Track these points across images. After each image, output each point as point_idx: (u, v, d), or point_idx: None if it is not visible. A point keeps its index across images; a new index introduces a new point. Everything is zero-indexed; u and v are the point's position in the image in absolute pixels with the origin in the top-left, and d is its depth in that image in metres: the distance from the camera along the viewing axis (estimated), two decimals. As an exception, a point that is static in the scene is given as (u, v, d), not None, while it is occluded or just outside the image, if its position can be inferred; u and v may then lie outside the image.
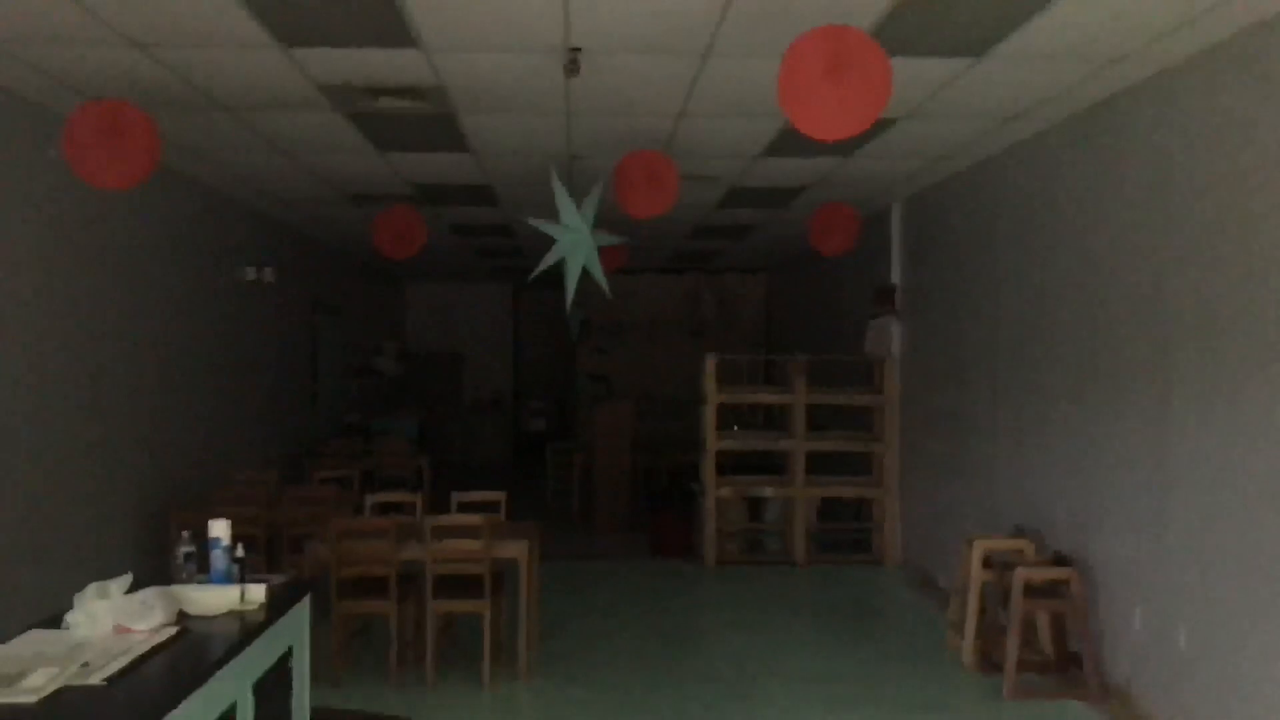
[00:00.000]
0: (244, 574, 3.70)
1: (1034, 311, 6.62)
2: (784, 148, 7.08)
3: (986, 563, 6.24)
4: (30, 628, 3.14)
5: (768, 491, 9.53)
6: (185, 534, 3.78)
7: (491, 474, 15.06)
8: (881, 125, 6.46)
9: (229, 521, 3.67)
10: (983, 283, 7.48)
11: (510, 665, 6.18)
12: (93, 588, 3.20)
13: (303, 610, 3.83)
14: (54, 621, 3.17)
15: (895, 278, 9.40)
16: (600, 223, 6.64)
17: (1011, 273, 6.99)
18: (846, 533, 9.96)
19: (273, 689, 3.45)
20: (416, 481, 10.29)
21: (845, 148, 7.09)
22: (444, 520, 5.93)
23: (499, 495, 6.79)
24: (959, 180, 7.94)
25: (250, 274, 9.21)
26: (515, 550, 5.95)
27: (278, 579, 3.91)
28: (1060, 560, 5.96)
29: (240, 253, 9.16)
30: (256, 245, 9.58)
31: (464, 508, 6.64)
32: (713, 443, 9.40)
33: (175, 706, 2.68)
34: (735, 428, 9.77)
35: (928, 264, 8.75)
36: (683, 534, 9.99)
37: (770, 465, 10.37)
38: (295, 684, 3.70)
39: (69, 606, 3.18)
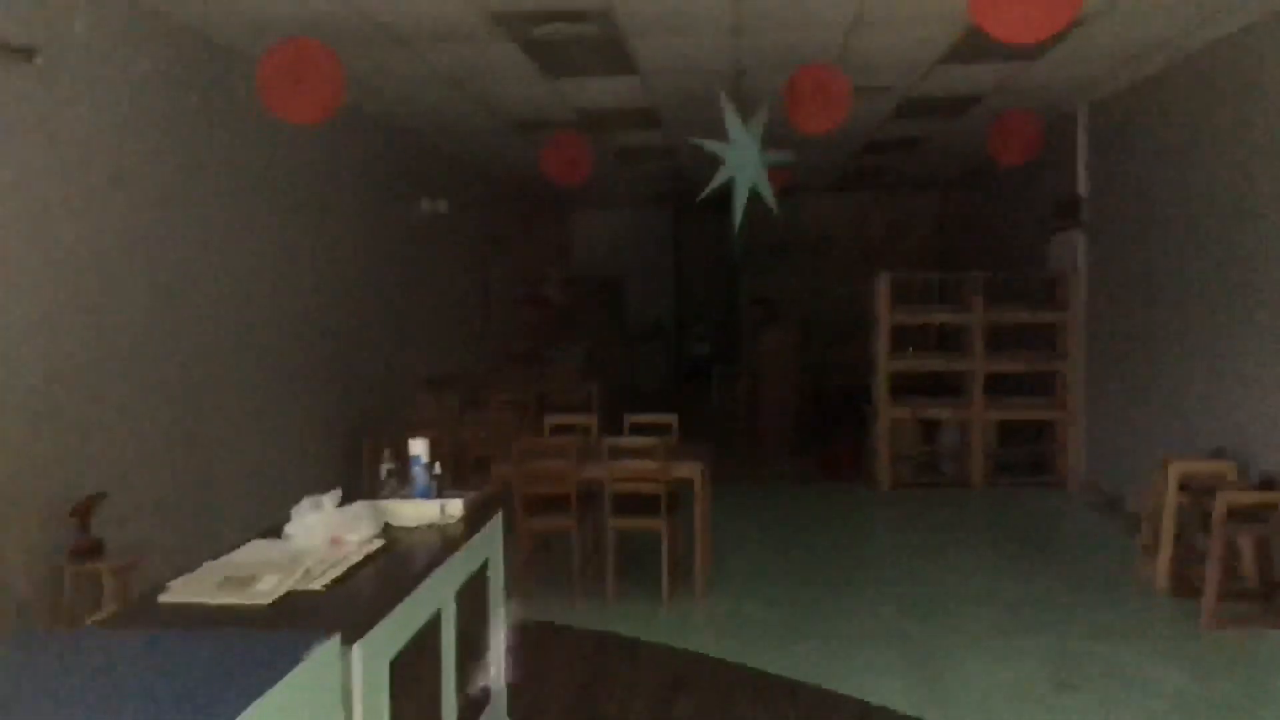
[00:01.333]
0: (442, 490, 3.85)
1: (1234, 222, 6.17)
2: (963, 54, 6.76)
3: (1183, 486, 5.95)
4: (254, 538, 3.38)
5: (944, 414, 9.32)
6: (388, 452, 3.98)
7: (657, 399, 15.25)
8: (1074, 24, 6.08)
9: (428, 440, 3.82)
10: (1178, 193, 7.01)
11: (687, 582, 6.30)
12: (307, 501, 3.40)
13: (496, 524, 3.98)
14: (274, 532, 3.40)
15: (1080, 189, 8.92)
16: (767, 141, 6.52)
17: (1210, 182, 6.52)
18: (1027, 456, 9.67)
19: (472, 598, 3.63)
20: (587, 406, 10.52)
21: (1031, 51, 6.71)
22: (621, 442, 6.04)
23: (670, 418, 6.87)
24: (1153, 83, 7.42)
25: (425, 206, 9.50)
26: (689, 470, 6.02)
27: (471, 495, 4.06)
28: (1267, 483, 5.62)
29: (416, 186, 9.45)
30: (431, 178, 9.86)
31: (636, 430, 6.75)
32: (885, 364, 9.24)
33: (389, 611, 2.85)
34: (910, 349, 9.56)
35: (1116, 174, 8.25)
36: (855, 457, 9.91)
37: (946, 387, 10.12)
38: (492, 594, 3.87)
39: (286, 519, 3.39)
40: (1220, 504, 5.44)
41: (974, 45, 6.44)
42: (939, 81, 7.63)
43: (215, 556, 3.16)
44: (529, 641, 5.33)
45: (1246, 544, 5.80)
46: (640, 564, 6.66)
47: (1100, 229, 8.61)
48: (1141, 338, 7.69)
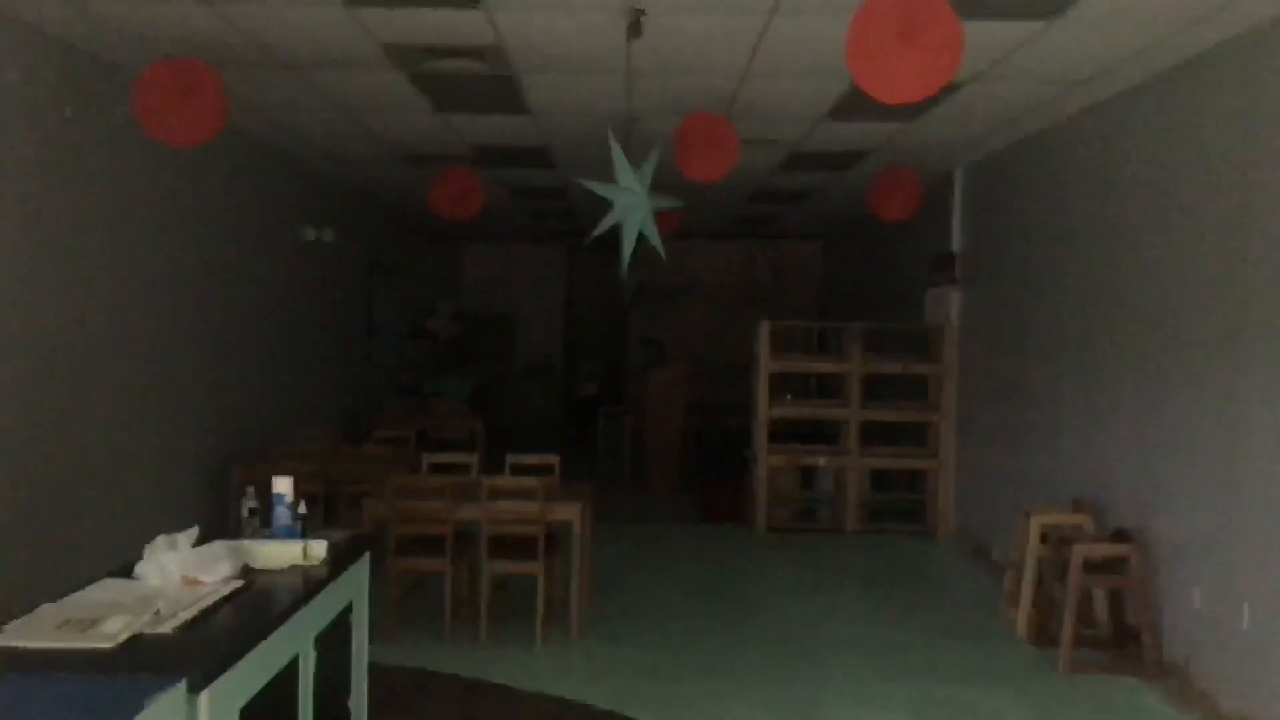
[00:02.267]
0: (306, 530, 3.76)
1: (1102, 280, 6.49)
2: (848, 111, 6.97)
3: (1044, 536, 6.17)
4: (103, 576, 3.22)
5: (821, 461, 9.50)
6: (250, 489, 3.85)
7: (543, 437, 15.16)
8: (950, 89, 6.33)
9: (293, 478, 3.72)
10: (1049, 251, 7.34)
11: (563, 624, 6.24)
12: (162, 540, 3.27)
13: (363, 566, 3.88)
14: (125, 571, 3.24)
15: (955, 246, 9.26)
16: (657, 186, 6.60)
17: (1079, 241, 6.84)
18: (899, 503, 9.90)
19: (334, 643, 3.51)
20: (470, 443, 10.39)
21: (911, 111, 6.97)
22: (500, 481, 5.98)
23: (552, 458, 6.83)
24: (1026, 145, 7.78)
25: (310, 234, 9.32)
26: (569, 513, 5.99)
27: (339, 535, 3.96)
28: (1120, 536, 5.87)
29: (301, 213, 9.27)
30: (316, 205, 9.68)
31: (517, 470, 6.69)
32: (766, 410, 9.38)
33: (242, 656, 2.74)
34: (789, 396, 9.73)
35: (990, 232, 8.60)
36: (734, 500, 10.00)
37: (824, 434, 10.32)
38: (355, 639, 3.76)
39: (139, 557, 3.25)
40: (1076, 556, 5.66)
41: (858, 103, 6.65)
42: (826, 136, 7.84)
43: (60, 597, 3.00)
44: (395, 688, 5.19)
45: (1101, 593, 6.04)
46: (516, 607, 6.58)
47: (974, 284, 8.94)
48: (1011, 390, 7.98)
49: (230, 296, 7.72)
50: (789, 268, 16.20)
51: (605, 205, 6.58)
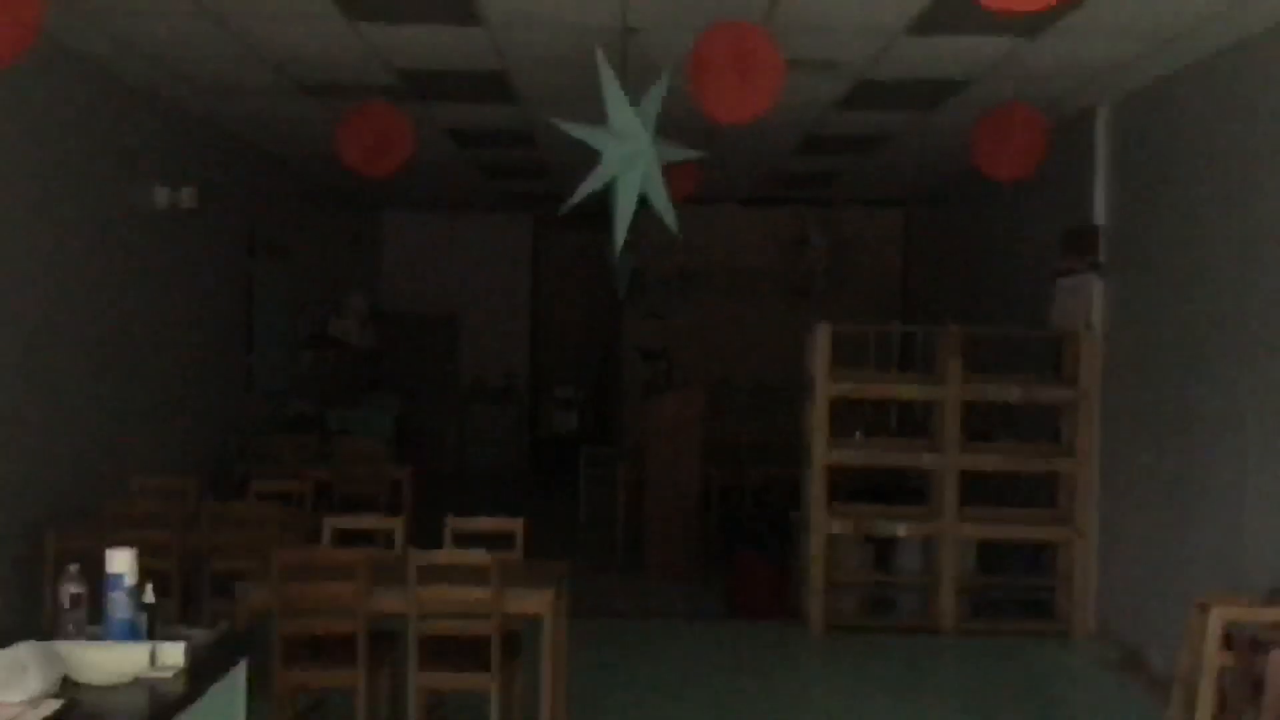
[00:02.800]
0: (154, 627, 3.74)
1: (1309, 269, 6.49)
2: (941, 21, 6.98)
3: (1228, 638, 6.15)
4: None
5: (902, 528, 9.47)
6: (73, 568, 3.83)
7: (501, 492, 15.14)
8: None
9: (135, 551, 3.71)
10: (1236, 225, 7.33)
11: (526, 767, 6.22)
12: (-59, 642, 3.27)
13: (236, 680, 3.88)
14: (-111, 686, 3.23)
15: (1098, 217, 9.26)
16: (665, 130, 6.61)
17: None
18: (1017, 590, 9.86)
19: (194, 793, 3.51)
20: (393, 500, 10.34)
21: (1033, 22, 6.98)
22: (436, 557, 5.95)
23: (514, 523, 6.81)
24: (1202, 72, 7.78)
25: (162, 197, 9.29)
26: (536, 603, 5.96)
27: (201, 635, 3.95)
28: (1340, 638, 5.84)
29: (148, 165, 9.26)
30: (173, 156, 9.67)
31: (463, 540, 6.67)
32: (823, 454, 9.36)
33: (59, 814, 2.72)
34: (858, 433, 9.70)
35: (1149, 197, 8.60)
36: (775, 585, 9.97)
37: (907, 489, 10.29)
38: (225, 787, 3.75)
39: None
40: (1275, 665, 5.62)
41: (955, 10, 6.66)
42: (906, 58, 7.86)
43: None
44: None
45: (1312, 722, 6.01)
46: (459, 738, 6.56)
47: (1126, 273, 8.94)
48: (1181, 429, 7.96)
49: (42, 289, 7.69)
50: (855, 248, 16.22)
51: (591, 157, 6.59)
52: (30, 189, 7.58)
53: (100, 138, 8.54)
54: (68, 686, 3.39)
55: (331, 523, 6.85)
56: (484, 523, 6.80)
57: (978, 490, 9.58)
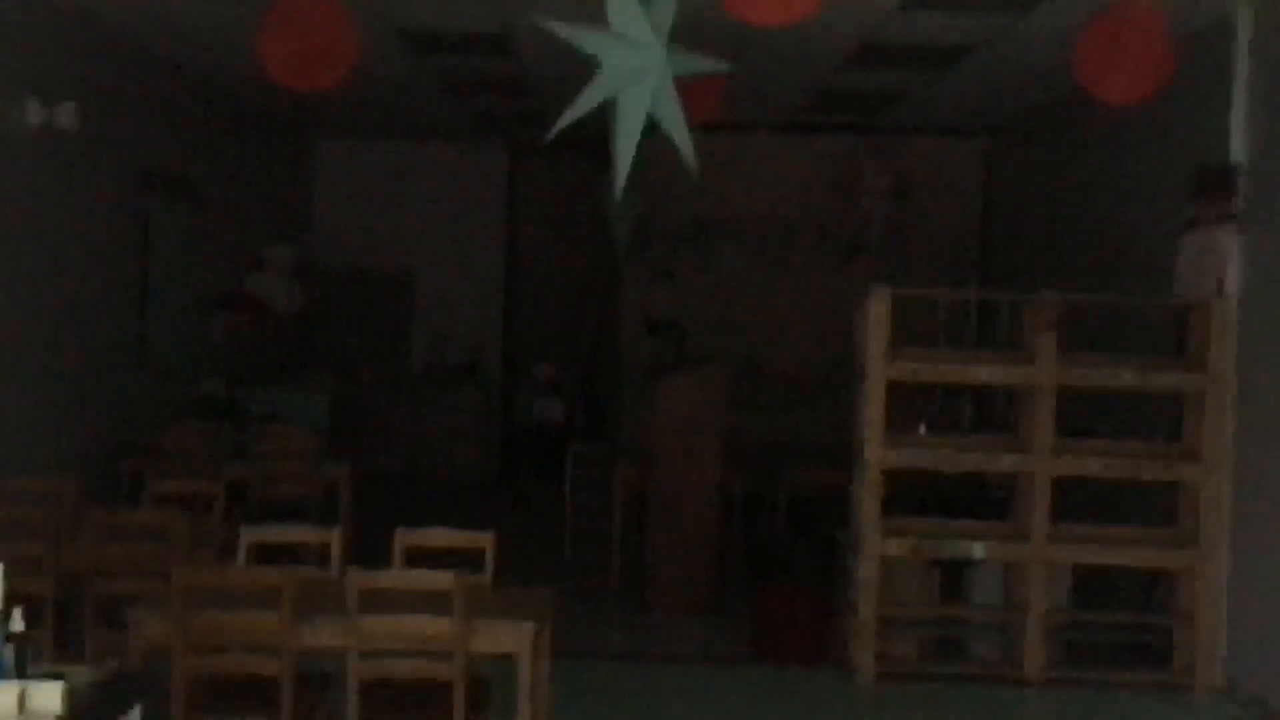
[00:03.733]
0: (25, 663, 3.75)
1: None
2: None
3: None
4: None
5: (977, 550, 9.47)
6: (-79, 587, 3.85)
7: (465, 499, 15.15)
8: None
9: (1, 566, 3.73)
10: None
11: None
12: None
13: (128, 733, 3.89)
14: None
15: (1236, 153, 9.26)
16: (683, 35, 6.59)
17: None
18: (1124, 631, 9.88)
19: None
20: (328, 507, 10.36)
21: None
22: (382, 580, 5.97)
23: (481, 538, 6.83)
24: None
25: (33, 113, 9.28)
26: (510, 639, 5.99)
27: (83, 673, 3.96)
28: None
29: (15, 73, 9.25)
30: (46, 61, 9.66)
31: (417, 558, 6.69)
32: (878, 454, 9.36)
33: None
34: (923, 427, 9.71)
35: (1300, 128, 8.60)
36: (814, 622, 9.99)
37: (984, 500, 10.30)
38: None
39: None
40: None
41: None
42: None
43: None
44: None
45: None
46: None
47: (1272, 226, 8.95)
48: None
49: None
50: (923, 190, 16.20)
51: (586, 70, 6.58)
52: None
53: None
54: (-87, 737, 3.41)
55: (249, 535, 6.87)
56: (444, 536, 6.84)
57: (1075, 503, 9.59)
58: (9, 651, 3.74)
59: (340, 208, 17.53)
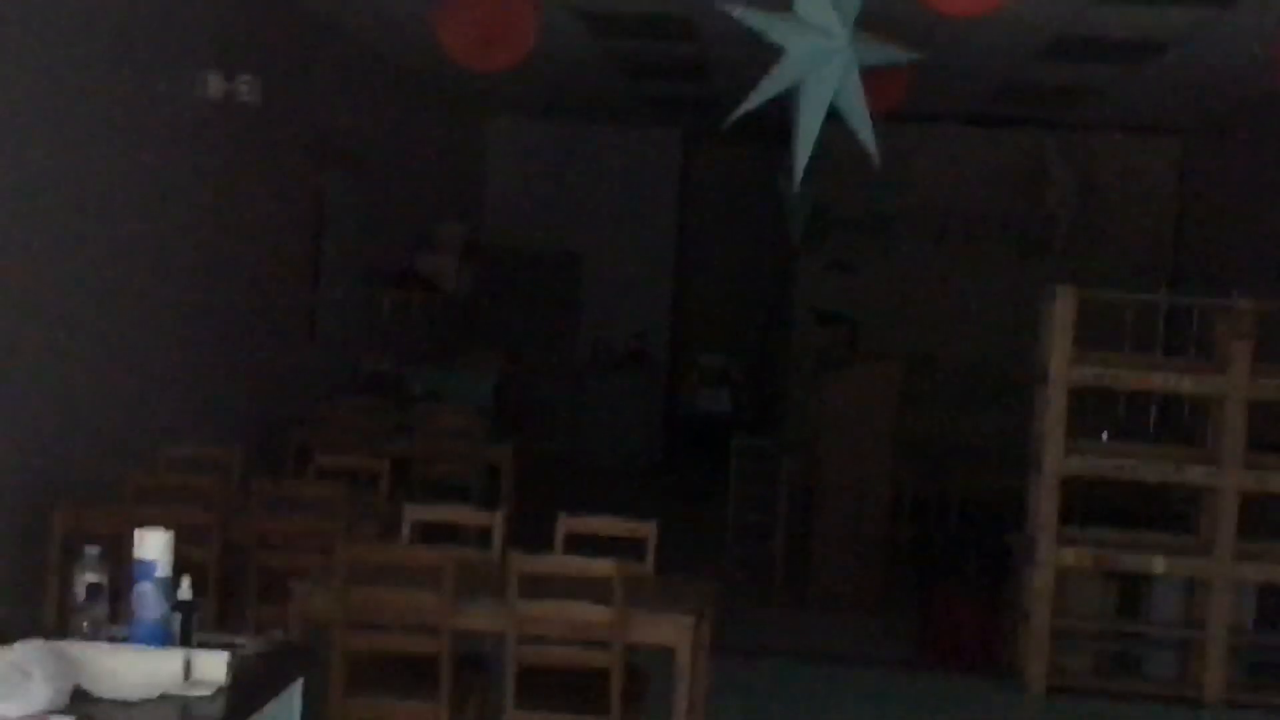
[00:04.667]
0: (190, 631, 3.81)
1: None
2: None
3: None
4: None
5: (1158, 564, 9.34)
6: (91, 552, 3.91)
7: (627, 487, 15.21)
8: None
9: (171, 534, 3.78)
10: None
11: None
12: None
13: (289, 705, 3.94)
14: None
15: None
16: (869, 22, 6.56)
17: None
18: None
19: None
20: (490, 488, 10.43)
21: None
22: (543, 564, 6.01)
23: (643, 527, 6.84)
24: None
25: (214, 85, 9.42)
26: (670, 632, 5.99)
27: (248, 644, 4.01)
28: None
29: (197, 47, 9.39)
30: (227, 35, 9.79)
31: (577, 543, 6.72)
32: (1058, 460, 9.27)
33: None
34: (1105, 435, 9.59)
35: None
36: (983, 629, 9.91)
37: (1167, 514, 10.15)
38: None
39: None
40: None
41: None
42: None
43: None
44: None
45: None
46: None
47: None
48: None
49: (55, 206, 7.82)
50: (1113, 188, 15.95)
51: (768, 56, 6.57)
52: (42, 77, 7.69)
53: (139, 10, 8.68)
54: (80, 699, 3.46)
55: (412, 513, 6.94)
56: (606, 524, 6.85)
57: (1265, 519, 9.42)
58: (176, 619, 3.80)
59: (511, 187, 17.60)
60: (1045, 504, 9.29)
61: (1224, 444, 9.22)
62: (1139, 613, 9.84)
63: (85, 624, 3.83)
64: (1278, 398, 9.24)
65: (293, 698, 3.96)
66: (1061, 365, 9.27)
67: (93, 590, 3.87)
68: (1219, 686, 9.20)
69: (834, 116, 6.53)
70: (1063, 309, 9.29)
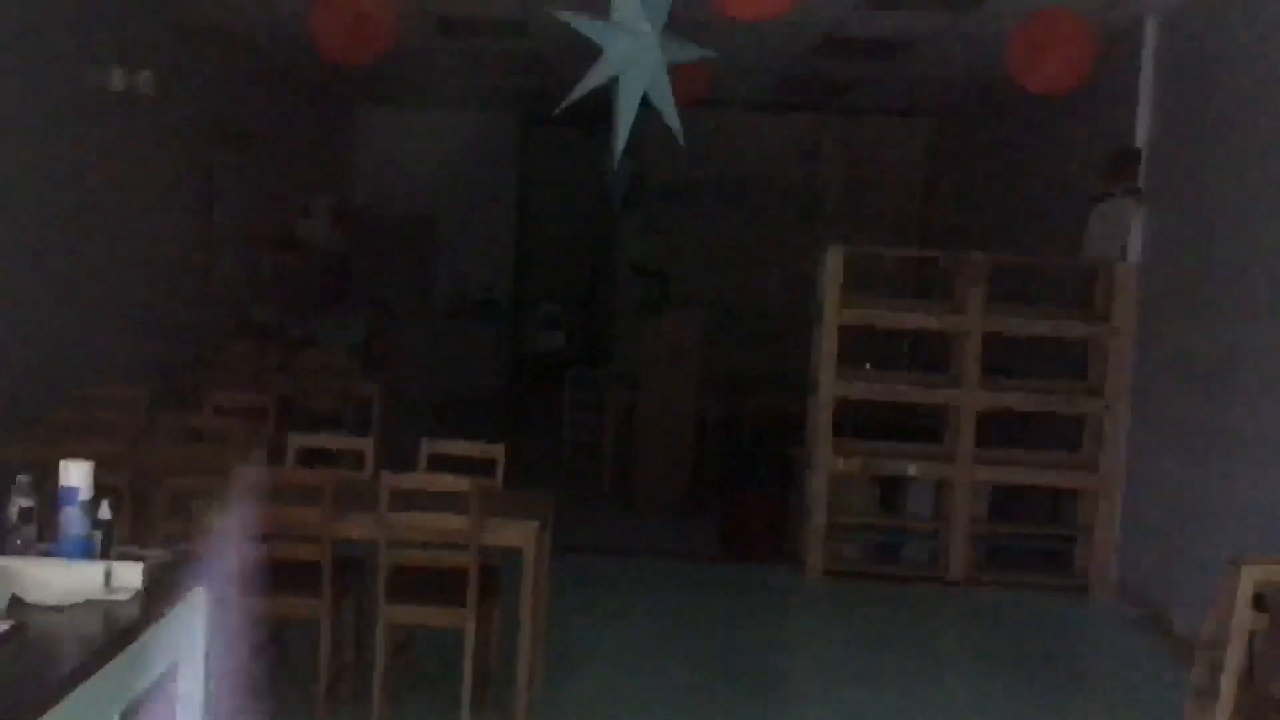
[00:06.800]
0: (109, 546, 3.78)
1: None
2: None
3: (1259, 600, 6.23)
4: None
5: (912, 469, 9.54)
6: (22, 479, 3.87)
7: (478, 414, 15.17)
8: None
9: (91, 464, 3.74)
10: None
11: (500, 709, 6.29)
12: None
13: (196, 605, 3.93)
14: None
15: (1140, 138, 9.26)
16: (674, 25, 6.58)
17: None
18: (1034, 540, 9.96)
19: (150, 723, 3.57)
20: (361, 418, 10.38)
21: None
22: (409, 481, 6.00)
23: (493, 449, 6.85)
24: (1261, -16, 7.77)
25: (116, 79, 9.23)
26: (518, 535, 6.02)
27: (158, 555, 3.99)
28: (1381, 604, 5.92)
29: (99, 45, 9.19)
30: (129, 34, 9.60)
31: (438, 463, 6.72)
32: (831, 386, 9.41)
33: (9, 741, 2.77)
34: (868, 365, 9.76)
35: (1197, 118, 8.59)
36: (773, 526, 10.06)
37: (919, 427, 10.36)
38: (183, 716, 3.80)
39: None
40: (1312, 631, 5.69)
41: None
42: (943, -45, 7.82)
43: None
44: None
45: (1346, 692, 6.10)
46: (431, 677, 6.64)
47: (1168, 198, 8.95)
48: (1219, 371, 8.01)
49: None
50: (874, 163, 16.17)
51: (590, 52, 6.57)
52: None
53: (50, 10, 8.48)
54: (16, 606, 3.43)
55: (295, 441, 6.89)
56: (462, 447, 6.85)
57: (995, 431, 9.65)
58: (96, 536, 3.77)
59: (375, 164, 17.42)
60: (821, 422, 9.45)
61: (963, 370, 9.44)
62: (897, 509, 10.14)
63: (18, 542, 3.79)
64: (1005, 332, 9.50)
65: (197, 599, 3.95)
66: (833, 309, 9.40)
67: (24, 513, 3.83)
68: (962, 568, 9.45)
69: (647, 104, 6.57)
70: (833, 264, 9.44)
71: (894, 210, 16.06)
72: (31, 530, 3.81)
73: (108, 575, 3.61)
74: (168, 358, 10.55)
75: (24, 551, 3.74)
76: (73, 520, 3.72)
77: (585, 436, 13.05)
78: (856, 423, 9.92)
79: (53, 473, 3.79)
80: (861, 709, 6.85)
